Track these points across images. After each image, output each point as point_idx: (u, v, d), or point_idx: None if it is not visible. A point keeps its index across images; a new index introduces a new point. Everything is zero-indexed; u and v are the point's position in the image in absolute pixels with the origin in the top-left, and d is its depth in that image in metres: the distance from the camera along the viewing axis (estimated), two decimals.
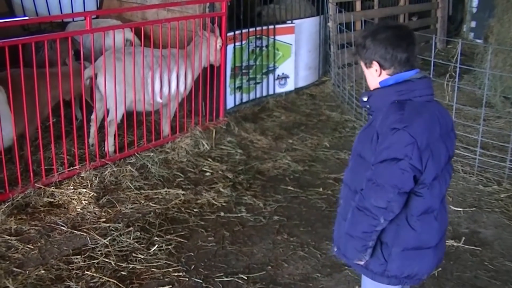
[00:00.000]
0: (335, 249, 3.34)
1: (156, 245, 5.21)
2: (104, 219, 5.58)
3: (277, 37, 9.17)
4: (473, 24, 13.94)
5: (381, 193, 2.99)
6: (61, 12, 8.69)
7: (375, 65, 3.15)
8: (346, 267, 4.99)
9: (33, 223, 5.45)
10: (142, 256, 5.04)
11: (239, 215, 5.85)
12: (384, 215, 3.01)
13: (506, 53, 9.27)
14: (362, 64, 3.27)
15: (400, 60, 3.08)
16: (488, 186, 6.53)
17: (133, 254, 5.07)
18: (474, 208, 6.09)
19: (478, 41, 12.61)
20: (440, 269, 4.92)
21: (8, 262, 4.89)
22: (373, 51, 3.13)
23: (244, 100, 8.88)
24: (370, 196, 3.02)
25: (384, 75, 3.15)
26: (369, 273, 3.24)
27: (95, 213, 5.67)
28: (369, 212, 3.03)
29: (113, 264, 4.90)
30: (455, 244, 5.40)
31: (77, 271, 4.79)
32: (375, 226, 3.05)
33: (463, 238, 5.48)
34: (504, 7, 9.61)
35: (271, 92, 9.36)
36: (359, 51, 3.22)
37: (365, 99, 3.20)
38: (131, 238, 5.28)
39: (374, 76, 3.20)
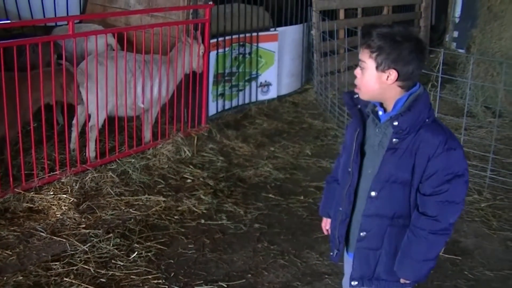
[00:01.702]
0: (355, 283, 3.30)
1: (136, 252, 5.18)
2: (84, 225, 5.55)
3: (260, 45, 9.18)
4: (455, 34, 14.02)
5: (456, 209, 3.06)
6: (44, 16, 8.65)
7: (392, 73, 3.00)
8: (327, 276, 5.00)
9: (12, 228, 5.40)
10: (122, 263, 5.02)
11: (220, 222, 5.84)
12: None
13: (487, 63, 9.34)
14: (367, 62, 3.07)
15: (416, 74, 3.04)
16: (469, 196, 6.54)
17: (113, 261, 5.04)
18: None
19: (461, 51, 12.69)
20: None
21: None
22: (395, 58, 2.98)
23: (226, 107, 8.87)
24: (448, 216, 3.05)
25: (395, 85, 3.04)
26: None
27: (75, 219, 5.64)
28: (447, 231, 3.09)
29: (92, 271, 4.87)
30: None
31: (56, 278, 4.75)
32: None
33: (444, 247, 5.49)
34: (486, 18, 9.68)
35: (253, 99, 9.36)
36: (376, 51, 3.02)
37: (396, 123, 3.00)
38: (111, 245, 5.24)
39: (381, 81, 3.04)
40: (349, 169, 3.21)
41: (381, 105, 3.13)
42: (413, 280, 3.23)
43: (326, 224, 3.65)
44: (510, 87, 8.68)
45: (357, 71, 3.12)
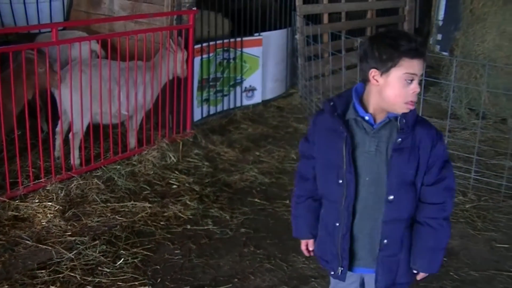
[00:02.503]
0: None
1: (122, 259, 5.17)
2: (69, 233, 5.53)
3: (244, 50, 9.20)
4: (439, 37, 14.06)
5: (454, 195, 3.24)
6: (28, 23, 8.63)
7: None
8: (313, 279, 5.01)
9: None
10: (108, 270, 5.00)
11: (206, 227, 5.84)
12: None
13: (471, 65, 9.38)
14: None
15: None
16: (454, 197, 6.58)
17: (99, 268, 5.03)
18: None
19: (444, 53, 12.73)
20: None
21: None
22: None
23: (211, 113, 8.88)
24: (451, 201, 3.18)
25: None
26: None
27: (60, 226, 5.62)
28: (449, 217, 3.21)
29: (78, 278, 4.86)
30: None
31: (42, 286, 4.73)
32: None
33: None
34: (469, 21, 9.73)
35: (238, 104, 9.38)
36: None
37: (404, 121, 3.03)
38: (97, 252, 5.23)
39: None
40: (340, 181, 3.15)
41: (366, 110, 3.10)
42: (433, 272, 3.30)
43: (310, 245, 3.54)
44: (493, 89, 8.73)
45: (418, 86, 3.01)
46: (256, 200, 6.46)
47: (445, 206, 3.15)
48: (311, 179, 3.38)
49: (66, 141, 6.85)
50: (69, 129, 6.81)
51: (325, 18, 10.94)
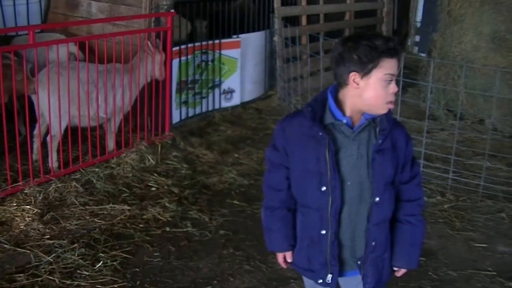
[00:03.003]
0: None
1: (101, 262, 5.15)
2: (48, 236, 5.50)
3: (223, 52, 9.20)
4: (417, 38, 14.18)
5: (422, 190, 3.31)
6: (4, 25, 8.58)
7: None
8: (293, 280, 5.02)
9: None
10: (87, 273, 4.99)
11: (185, 230, 5.84)
12: None
13: (449, 67, 9.45)
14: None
15: None
16: (432, 197, 6.63)
17: (78, 271, 5.01)
18: None
19: (422, 55, 12.82)
20: None
21: None
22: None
23: (190, 115, 8.87)
24: (423, 197, 3.27)
25: None
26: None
27: (39, 230, 5.59)
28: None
29: (57, 281, 4.83)
30: None
31: None
32: None
33: None
34: (446, 22, 9.79)
35: (217, 106, 9.38)
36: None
37: (384, 122, 3.04)
38: (76, 255, 5.20)
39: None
40: (324, 188, 3.05)
41: (343, 113, 3.04)
42: (412, 268, 3.30)
43: (288, 256, 3.37)
44: (471, 90, 8.79)
45: (396, 86, 3.00)
46: (235, 202, 6.47)
47: (421, 202, 3.22)
48: (284, 190, 3.26)
49: (44, 144, 6.83)
50: (47, 132, 6.77)
51: (304, 20, 10.98)
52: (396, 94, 3.00)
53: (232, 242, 5.67)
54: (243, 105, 9.82)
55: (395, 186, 3.16)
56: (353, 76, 2.95)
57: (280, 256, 3.40)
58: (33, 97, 6.59)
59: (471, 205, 6.53)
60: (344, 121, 3.03)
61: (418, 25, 14.24)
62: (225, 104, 9.53)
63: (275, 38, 9.99)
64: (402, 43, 14.42)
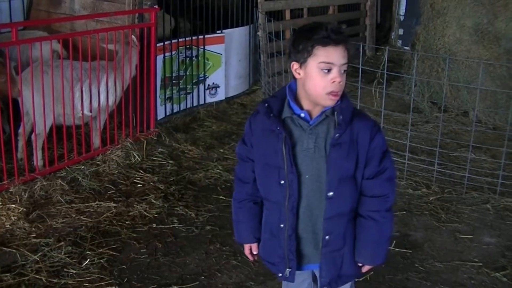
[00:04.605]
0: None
1: (88, 259, 5.14)
2: (34, 235, 5.48)
3: (207, 47, 9.19)
4: (401, 31, 14.23)
5: (394, 185, 3.19)
6: None
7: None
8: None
9: None
10: (74, 271, 4.97)
11: (172, 226, 5.83)
12: None
13: (432, 59, 9.48)
14: (346, 62, 2.97)
15: None
16: (418, 190, 6.66)
17: (65, 269, 4.99)
18: (404, 212, 6.20)
19: (406, 48, 12.86)
20: (372, 272, 4.97)
21: None
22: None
23: (175, 111, 8.87)
24: (393, 192, 3.16)
25: None
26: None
27: (25, 228, 5.57)
28: (392, 208, 3.19)
29: (44, 280, 4.82)
30: None
31: None
32: None
33: (394, 241, 5.56)
34: (429, 15, 9.82)
35: (201, 102, 9.37)
36: (348, 48, 2.98)
37: (341, 117, 3.00)
38: (63, 253, 5.19)
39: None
40: (282, 182, 3.08)
41: (301, 107, 3.06)
42: (378, 264, 3.27)
43: (254, 249, 3.45)
44: (455, 82, 8.84)
45: (340, 76, 2.95)
46: (221, 197, 6.46)
47: (387, 198, 3.13)
48: (250, 183, 3.31)
49: (29, 143, 6.80)
50: (32, 130, 6.74)
51: (287, 15, 10.98)
52: (339, 84, 2.94)
53: (219, 237, 5.67)
54: (228, 100, 9.82)
55: (359, 181, 3.12)
56: (294, 66, 3.01)
57: (246, 248, 3.46)
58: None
59: (456, 197, 6.56)
60: (302, 114, 3.04)
61: (402, 18, 14.28)
62: (209, 99, 9.52)
63: (259, 33, 9.99)
64: (385, 36, 14.48)
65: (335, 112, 3.00)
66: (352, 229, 3.19)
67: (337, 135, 2.99)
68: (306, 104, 3.04)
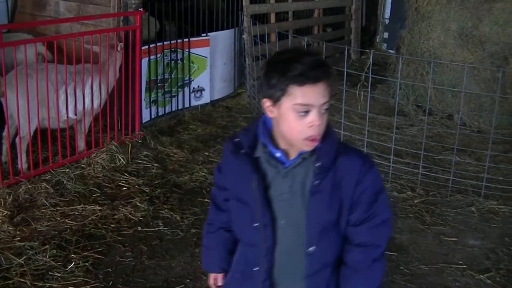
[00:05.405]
0: None
1: (73, 263, 5.13)
2: (18, 238, 5.46)
3: (192, 50, 9.19)
4: (386, 35, 14.29)
5: (389, 226, 2.72)
6: None
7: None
8: None
9: None
10: (59, 274, 4.95)
11: (157, 229, 5.82)
12: None
13: (417, 63, 9.52)
14: (328, 101, 2.49)
15: None
16: (403, 193, 6.69)
17: (50, 273, 4.97)
18: None
19: (391, 51, 12.91)
20: None
21: None
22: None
23: (160, 114, 8.85)
24: (384, 237, 2.71)
25: None
26: None
27: (9, 232, 5.54)
28: (384, 252, 2.72)
29: (29, 283, 4.80)
30: None
31: None
32: None
33: None
34: (414, 19, 9.86)
35: (187, 105, 9.36)
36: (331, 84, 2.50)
37: (319, 163, 2.56)
38: (47, 257, 5.17)
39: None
40: (256, 224, 2.65)
41: (277, 146, 2.62)
42: None
43: (218, 280, 3.07)
44: (439, 86, 8.88)
45: (320, 118, 2.48)
46: (206, 200, 6.44)
47: (377, 248, 2.68)
48: (225, 211, 2.93)
49: (13, 146, 6.76)
50: (16, 133, 6.71)
51: (272, 18, 10.99)
52: (318, 127, 2.48)
53: None
54: (213, 103, 9.82)
55: (343, 227, 2.68)
56: (266, 103, 2.56)
57: (211, 277, 3.10)
58: (2, 99, 6.54)
59: (441, 200, 6.59)
60: (278, 154, 2.61)
61: (387, 22, 14.34)
62: (195, 102, 9.52)
63: (244, 36, 9.99)
64: (370, 39, 14.53)
65: (314, 157, 2.58)
66: (337, 277, 2.76)
67: (316, 182, 2.56)
68: (282, 143, 2.61)
